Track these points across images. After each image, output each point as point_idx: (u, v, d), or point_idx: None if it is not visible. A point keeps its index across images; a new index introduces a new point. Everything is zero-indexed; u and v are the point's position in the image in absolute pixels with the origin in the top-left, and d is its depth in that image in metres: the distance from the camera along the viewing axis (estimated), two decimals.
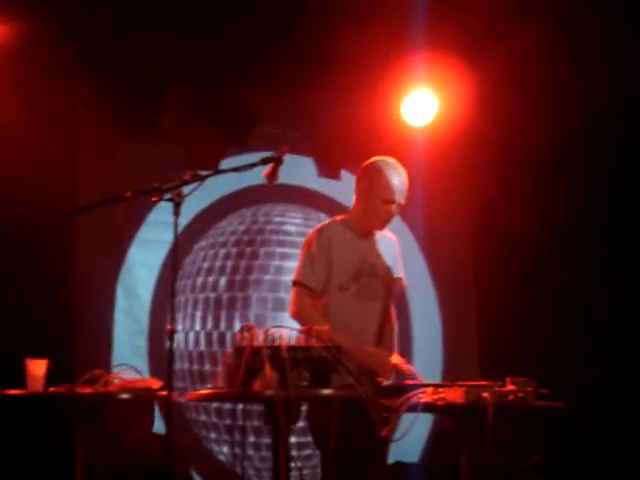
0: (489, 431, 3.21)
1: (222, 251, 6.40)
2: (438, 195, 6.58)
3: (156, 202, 3.31)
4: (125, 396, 3.39)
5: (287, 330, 3.33)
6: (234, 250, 6.42)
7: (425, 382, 3.59)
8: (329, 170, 6.63)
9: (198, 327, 6.28)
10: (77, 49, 5.63)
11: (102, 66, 5.76)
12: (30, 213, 5.38)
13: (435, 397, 3.37)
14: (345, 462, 3.60)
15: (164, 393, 3.47)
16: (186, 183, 3.32)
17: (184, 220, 6.21)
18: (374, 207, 4.12)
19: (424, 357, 6.71)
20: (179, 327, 6.24)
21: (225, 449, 6.19)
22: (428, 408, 3.40)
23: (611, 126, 5.96)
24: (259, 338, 3.30)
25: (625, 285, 6.19)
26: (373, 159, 4.26)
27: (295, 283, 4.10)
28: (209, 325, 6.26)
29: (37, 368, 3.51)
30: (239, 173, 3.54)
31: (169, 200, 3.31)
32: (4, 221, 5.45)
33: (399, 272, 4.29)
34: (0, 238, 5.40)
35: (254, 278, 6.38)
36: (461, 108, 6.21)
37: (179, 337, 6.25)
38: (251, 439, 6.10)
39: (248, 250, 6.44)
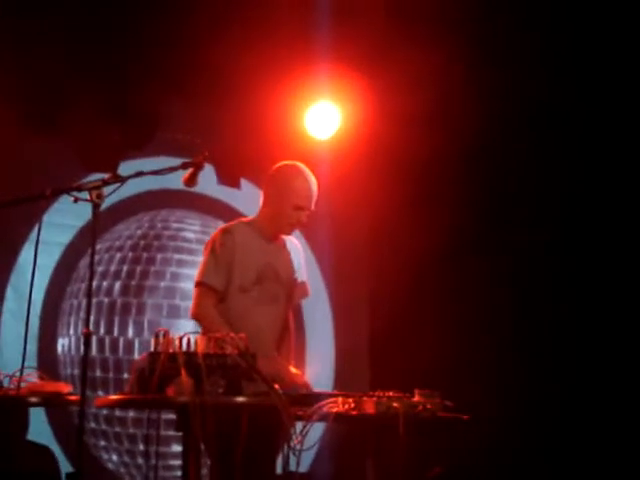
0: (401, 441, 3.25)
1: (118, 255, 6.31)
2: (338, 208, 6.64)
3: (75, 202, 3.23)
4: (35, 400, 3.30)
5: (198, 336, 3.31)
6: (130, 255, 6.33)
7: (334, 392, 3.62)
8: (229, 178, 6.61)
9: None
10: None
11: (13, 59, 5.60)
12: None
13: (346, 407, 3.39)
14: (250, 470, 3.58)
15: (73, 398, 3.40)
16: (107, 183, 3.26)
17: (80, 222, 6.20)
18: (283, 212, 4.12)
19: (316, 369, 6.75)
20: (70, 331, 6.11)
21: (114, 457, 6.08)
22: (340, 418, 3.42)
23: (511, 136, 6.11)
24: (174, 344, 3.27)
25: (519, 294, 6.34)
26: (284, 163, 4.27)
27: (198, 283, 4.06)
28: (102, 330, 6.15)
29: None
30: (140, 177, 3.47)
31: (88, 201, 3.24)
32: None
33: (303, 277, 4.29)
34: None
35: (150, 284, 6.31)
36: (363, 120, 6.28)
37: (70, 342, 6.12)
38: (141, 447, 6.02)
39: (145, 255, 6.36)
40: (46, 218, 5.87)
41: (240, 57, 5.92)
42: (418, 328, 6.51)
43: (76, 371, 6.10)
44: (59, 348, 6.06)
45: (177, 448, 5.82)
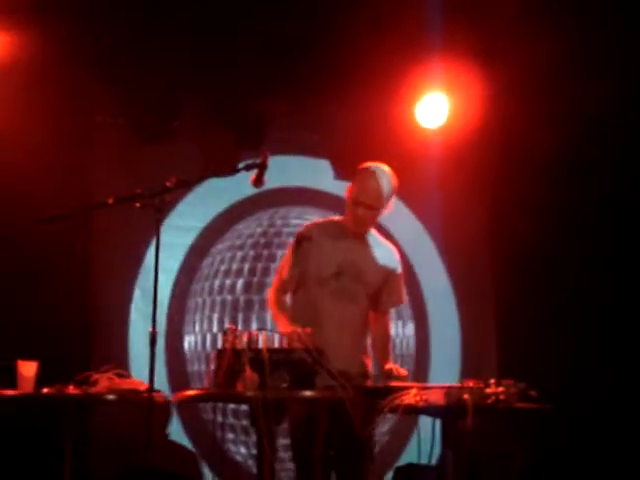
0: (468, 432, 3.23)
1: (239, 254, 6.48)
2: (454, 197, 6.61)
3: (139, 208, 3.38)
4: (111, 397, 3.47)
5: (269, 333, 3.39)
6: (251, 253, 6.49)
7: (410, 383, 3.63)
8: (345, 172, 6.66)
9: (215, 329, 6.36)
10: (93, 55, 5.74)
11: (118, 72, 5.87)
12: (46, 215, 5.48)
13: (417, 398, 3.40)
14: (327, 463, 3.64)
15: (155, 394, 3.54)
16: (169, 190, 3.38)
17: (202, 223, 6.44)
18: (350, 208, 4.19)
19: (442, 360, 6.74)
20: (196, 329, 6.34)
21: (242, 449, 6.26)
22: (409, 410, 3.43)
23: (619, 131, 5.93)
24: (242, 340, 3.37)
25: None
26: (363, 164, 4.29)
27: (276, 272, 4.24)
28: (226, 327, 6.32)
29: (27, 370, 3.61)
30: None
31: (152, 207, 3.37)
32: (24, 223, 5.55)
33: (396, 285, 4.31)
34: (19, 239, 5.49)
35: (271, 280, 6.43)
36: (473, 111, 6.24)
37: (197, 339, 6.35)
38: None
39: (265, 252, 6.50)
40: (169, 221, 6.24)
41: (351, 52, 5.97)
42: (545, 315, 6.40)
43: (203, 367, 6.32)
44: (185, 345, 6.29)
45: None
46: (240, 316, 6.38)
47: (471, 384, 3.50)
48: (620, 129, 5.95)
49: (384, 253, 4.32)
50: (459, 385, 3.47)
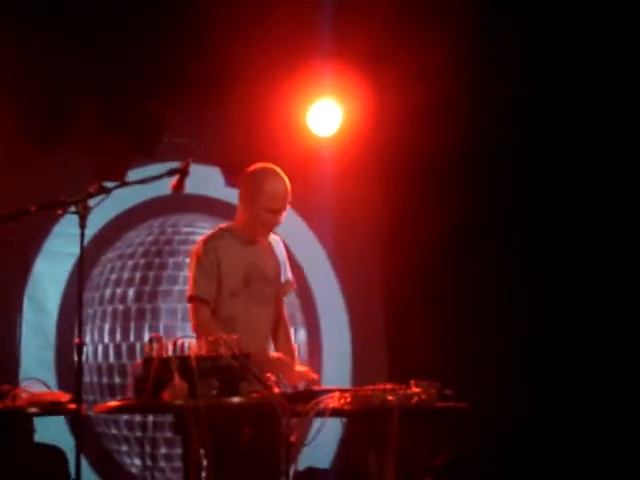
0: (394, 434, 3.29)
1: (130, 262, 6.39)
2: (346, 203, 6.68)
3: (61, 215, 3.30)
4: (34, 410, 3.38)
5: (194, 340, 3.37)
6: (142, 261, 6.40)
7: (332, 387, 3.66)
8: (236, 179, 6.64)
9: (107, 339, 6.25)
10: None
11: (12, 75, 5.69)
12: None
13: (342, 402, 3.44)
14: (254, 467, 3.64)
15: (73, 406, 3.46)
16: (91, 196, 3.32)
17: (91, 231, 6.19)
18: (257, 216, 4.14)
19: (334, 364, 6.80)
20: (87, 340, 6.20)
21: (137, 461, 6.16)
22: (336, 413, 3.47)
23: (510, 132, 6.14)
24: (168, 349, 3.33)
25: (529, 287, 6.37)
26: (254, 167, 4.27)
27: (190, 298, 4.10)
28: (118, 337, 6.24)
29: None
30: (146, 184, 3.54)
31: (74, 213, 3.31)
32: None
33: (287, 273, 4.33)
34: None
35: (163, 289, 6.38)
36: (365, 117, 6.32)
37: (88, 350, 6.21)
38: (163, 450, 6.09)
39: (157, 261, 6.43)
40: (58, 229, 6.09)
41: (242, 57, 5.97)
42: (433, 317, 6.55)
43: (95, 378, 6.19)
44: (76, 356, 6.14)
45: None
46: (132, 325, 6.28)
47: (389, 386, 3.56)
48: (510, 131, 6.14)
49: (275, 247, 4.33)
50: (382, 387, 3.52)
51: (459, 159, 6.16)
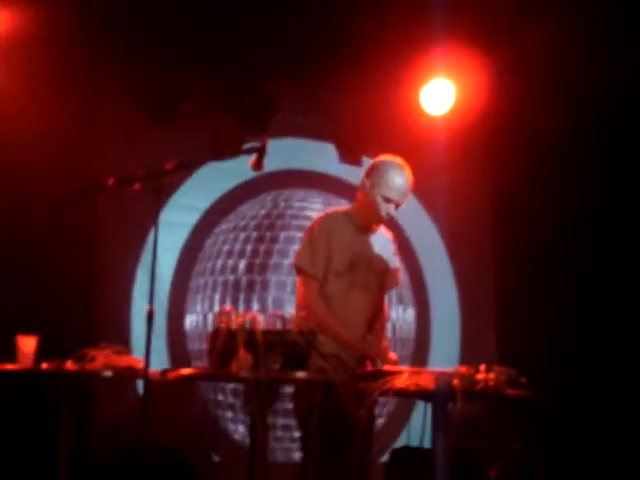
0: (455, 417, 3.29)
1: (242, 235, 6.53)
2: (457, 182, 6.65)
3: (138, 189, 3.43)
4: (107, 373, 3.54)
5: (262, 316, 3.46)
6: (254, 234, 6.54)
7: (402, 367, 3.68)
8: (350, 156, 6.69)
9: (217, 309, 6.41)
10: (101, 36, 5.78)
11: (125, 53, 5.92)
12: (52, 193, 5.56)
13: (407, 383, 3.46)
14: (323, 443, 3.71)
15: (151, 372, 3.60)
16: (167, 172, 3.43)
17: (205, 203, 6.50)
18: (374, 204, 4.22)
19: (442, 344, 6.80)
20: (198, 308, 6.40)
21: (240, 428, 6.34)
22: (400, 393, 3.49)
23: (627, 111, 5.96)
24: (236, 321, 3.43)
25: None
26: (381, 157, 4.36)
27: (300, 271, 4.20)
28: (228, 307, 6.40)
29: (27, 345, 3.68)
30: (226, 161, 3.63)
31: (151, 189, 3.42)
32: (29, 203, 5.62)
33: (394, 269, 4.39)
34: (24, 220, 5.56)
35: (273, 262, 6.50)
36: (478, 97, 6.26)
37: (199, 318, 6.41)
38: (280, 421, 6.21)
39: (268, 234, 6.55)
40: (174, 201, 6.30)
41: (356, 36, 6.01)
42: (546, 299, 6.45)
43: (204, 346, 6.38)
44: (187, 324, 6.36)
45: (283, 421, 6.08)
46: (241, 297, 6.43)
47: (463, 370, 3.56)
48: (622, 111, 5.97)
49: (384, 241, 4.42)
50: (449, 370, 3.52)
51: (572, 137, 6.03)
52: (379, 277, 4.31)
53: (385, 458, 5.91)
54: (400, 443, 6.19)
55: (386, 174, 4.23)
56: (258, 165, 3.69)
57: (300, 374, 3.36)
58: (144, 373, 3.23)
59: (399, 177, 4.24)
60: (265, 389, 3.30)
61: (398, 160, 4.33)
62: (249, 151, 3.66)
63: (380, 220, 4.31)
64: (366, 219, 4.29)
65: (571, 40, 5.64)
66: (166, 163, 3.47)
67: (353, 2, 5.91)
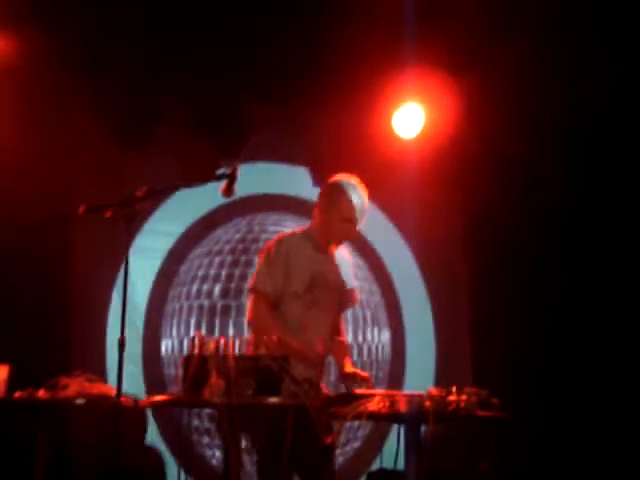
0: (427, 439, 3.32)
1: (217, 259, 6.56)
2: (429, 203, 6.71)
3: (109, 218, 3.45)
4: (80, 401, 3.55)
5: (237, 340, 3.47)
6: (229, 258, 6.57)
7: (373, 391, 3.71)
8: (324, 179, 6.72)
9: (192, 334, 6.41)
10: (74, 61, 5.79)
11: (98, 78, 5.92)
12: (28, 219, 5.56)
13: (379, 406, 3.48)
14: (295, 467, 3.73)
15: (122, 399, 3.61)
16: (138, 200, 3.45)
17: (180, 229, 6.52)
18: (332, 224, 4.23)
19: (417, 365, 6.83)
20: (174, 333, 6.41)
21: (217, 453, 6.33)
22: (373, 416, 3.52)
23: (597, 133, 6.04)
24: (209, 347, 3.44)
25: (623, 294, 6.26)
26: (336, 177, 4.37)
27: (251, 289, 4.21)
28: (203, 332, 6.41)
29: None
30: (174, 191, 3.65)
31: (122, 217, 3.44)
32: (2, 230, 5.61)
33: (351, 284, 4.39)
34: None
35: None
36: (448, 120, 6.34)
37: (174, 343, 6.42)
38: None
39: (243, 258, 6.58)
40: (148, 226, 6.31)
41: (330, 61, 6.07)
42: (519, 319, 6.50)
43: (180, 371, 6.38)
44: (163, 349, 6.37)
45: None
46: (217, 321, 6.45)
47: (434, 392, 3.59)
48: (597, 135, 6.05)
49: (341, 258, 4.41)
50: (421, 393, 3.55)
51: (541, 161, 6.12)
52: (336, 296, 4.31)
53: None
54: (376, 466, 6.21)
55: (343, 195, 4.23)
56: (228, 191, 3.71)
57: (272, 399, 3.37)
58: (116, 401, 3.23)
59: (356, 197, 4.23)
60: (237, 414, 3.30)
61: (353, 179, 4.32)
62: (219, 177, 3.68)
63: (340, 241, 4.32)
64: (325, 239, 4.29)
65: (540, 64, 5.72)
66: (137, 190, 3.49)
67: (326, 28, 5.95)
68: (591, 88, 5.76)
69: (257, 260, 4.33)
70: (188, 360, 3.41)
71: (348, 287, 4.35)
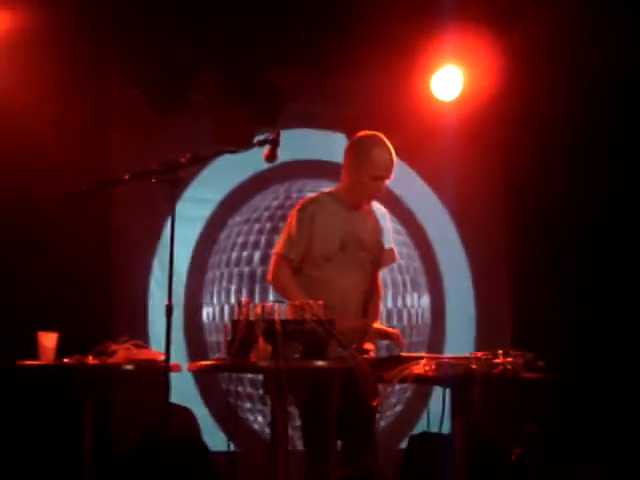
0: (475, 402, 3.31)
1: (256, 226, 6.56)
2: (469, 168, 6.66)
3: (155, 183, 3.45)
4: (129, 367, 3.57)
5: (282, 305, 3.48)
6: (268, 225, 6.57)
7: (419, 354, 3.70)
8: None
9: (233, 301, 6.45)
10: (108, 26, 5.78)
11: (133, 43, 5.91)
12: (66, 187, 5.59)
13: (426, 369, 3.48)
14: (345, 430, 3.74)
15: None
16: (183, 166, 3.45)
17: (218, 196, 6.52)
18: (362, 182, 4.19)
19: (457, 331, 6.82)
20: (214, 300, 6.44)
21: (259, 418, 6.38)
22: (419, 380, 3.52)
23: (635, 95, 5.95)
24: (256, 312, 3.45)
25: None
26: (361, 134, 4.32)
27: (274, 253, 4.24)
28: (243, 298, 6.42)
29: (48, 340, 3.72)
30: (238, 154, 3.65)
31: (167, 182, 3.44)
32: (44, 198, 5.63)
33: (389, 243, 4.35)
34: (39, 214, 5.58)
35: None
36: (488, 83, 6.26)
37: (215, 310, 6.44)
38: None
39: (281, 225, 6.54)
40: (187, 194, 6.32)
41: (366, 24, 6.01)
42: (560, 285, 6.47)
43: (221, 338, 6.41)
44: (204, 316, 6.40)
45: None
46: (257, 288, 6.47)
47: (480, 355, 3.58)
48: (636, 98, 5.97)
49: (378, 216, 4.37)
50: (467, 356, 3.54)
51: (583, 122, 6.03)
52: (372, 255, 4.27)
53: (404, 444, 5.98)
54: (419, 429, 6.23)
55: (370, 152, 4.19)
56: (271, 157, 3.70)
57: (320, 363, 3.38)
58: (165, 366, 3.25)
59: (384, 153, 4.19)
60: (285, 379, 3.32)
61: (378, 135, 4.27)
62: (262, 143, 3.67)
63: (370, 199, 4.28)
64: (355, 198, 4.24)
65: (583, 24, 5.62)
66: (181, 156, 3.49)
67: None
68: (636, 47, 5.65)
69: (284, 224, 4.31)
70: (235, 325, 3.42)
71: (387, 245, 4.31)
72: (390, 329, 4.14)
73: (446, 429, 3.69)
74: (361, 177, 4.19)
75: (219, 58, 6.13)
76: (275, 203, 6.62)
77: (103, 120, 6.04)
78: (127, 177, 3.47)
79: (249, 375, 6.25)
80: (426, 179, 6.81)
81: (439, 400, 3.68)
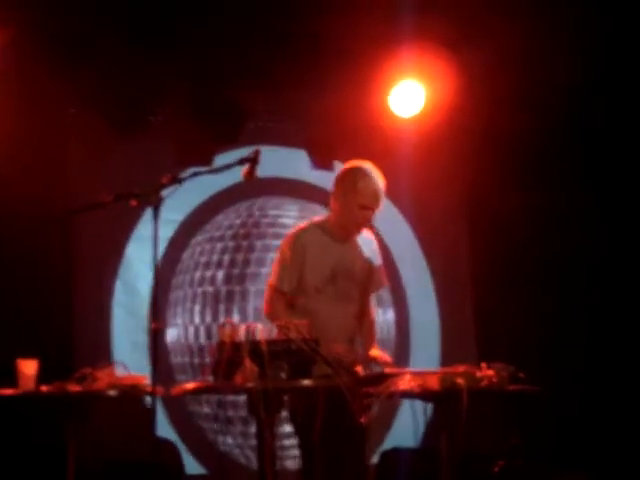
0: (462, 416, 3.31)
1: (219, 245, 6.52)
2: (430, 182, 6.69)
3: (136, 206, 3.41)
4: (113, 393, 3.51)
5: (264, 325, 3.46)
6: (231, 244, 6.53)
7: (404, 370, 3.70)
8: (322, 161, 6.70)
9: (197, 321, 6.39)
10: (67, 49, 5.72)
11: (93, 65, 5.85)
12: (24, 212, 5.53)
13: (412, 384, 3.48)
14: (326, 450, 3.72)
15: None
16: (164, 186, 3.42)
17: (180, 216, 6.46)
18: (351, 212, 4.18)
19: (422, 344, 6.83)
20: (178, 321, 6.37)
21: (229, 440, 6.31)
22: (406, 395, 3.51)
23: (591, 113, 6.05)
24: (240, 333, 3.42)
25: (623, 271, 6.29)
26: (350, 164, 4.31)
27: (268, 285, 4.21)
28: (208, 318, 6.38)
29: (28, 368, 3.64)
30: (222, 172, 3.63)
31: (148, 204, 3.41)
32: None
33: (379, 272, 4.39)
34: None
35: (251, 271, 6.49)
36: (448, 98, 6.28)
37: (179, 331, 6.38)
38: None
39: (245, 243, 6.54)
40: (149, 215, 6.24)
41: (326, 41, 6.04)
42: (523, 297, 6.51)
43: (186, 359, 6.35)
44: (168, 338, 6.33)
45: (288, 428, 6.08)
46: (221, 307, 6.41)
47: (461, 369, 3.58)
48: (592, 111, 6.06)
49: (364, 246, 4.37)
50: (452, 370, 3.55)
51: (542, 138, 6.11)
52: (361, 285, 4.28)
53: (374, 460, 5.96)
54: (386, 445, 6.22)
55: (359, 181, 4.18)
56: (250, 175, 3.68)
57: (307, 382, 3.36)
58: (151, 390, 3.20)
59: (372, 183, 4.20)
60: (272, 399, 3.29)
61: (367, 165, 4.27)
62: (242, 162, 3.65)
63: (359, 229, 4.27)
64: (344, 229, 4.25)
65: (540, 39, 5.69)
66: (162, 177, 3.46)
67: (321, 5, 5.90)
68: (592, 59, 5.75)
69: (276, 254, 4.29)
70: (220, 346, 3.38)
71: (375, 269, 4.31)
72: (385, 358, 4.12)
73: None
74: (349, 206, 4.17)
75: (181, 78, 6.08)
76: (238, 221, 6.58)
77: (62, 143, 5.97)
78: (109, 199, 3.42)
79: (215, 396, 6.21)
80: (387, 195, 6.81)
81: (407, 414, 3.66)
